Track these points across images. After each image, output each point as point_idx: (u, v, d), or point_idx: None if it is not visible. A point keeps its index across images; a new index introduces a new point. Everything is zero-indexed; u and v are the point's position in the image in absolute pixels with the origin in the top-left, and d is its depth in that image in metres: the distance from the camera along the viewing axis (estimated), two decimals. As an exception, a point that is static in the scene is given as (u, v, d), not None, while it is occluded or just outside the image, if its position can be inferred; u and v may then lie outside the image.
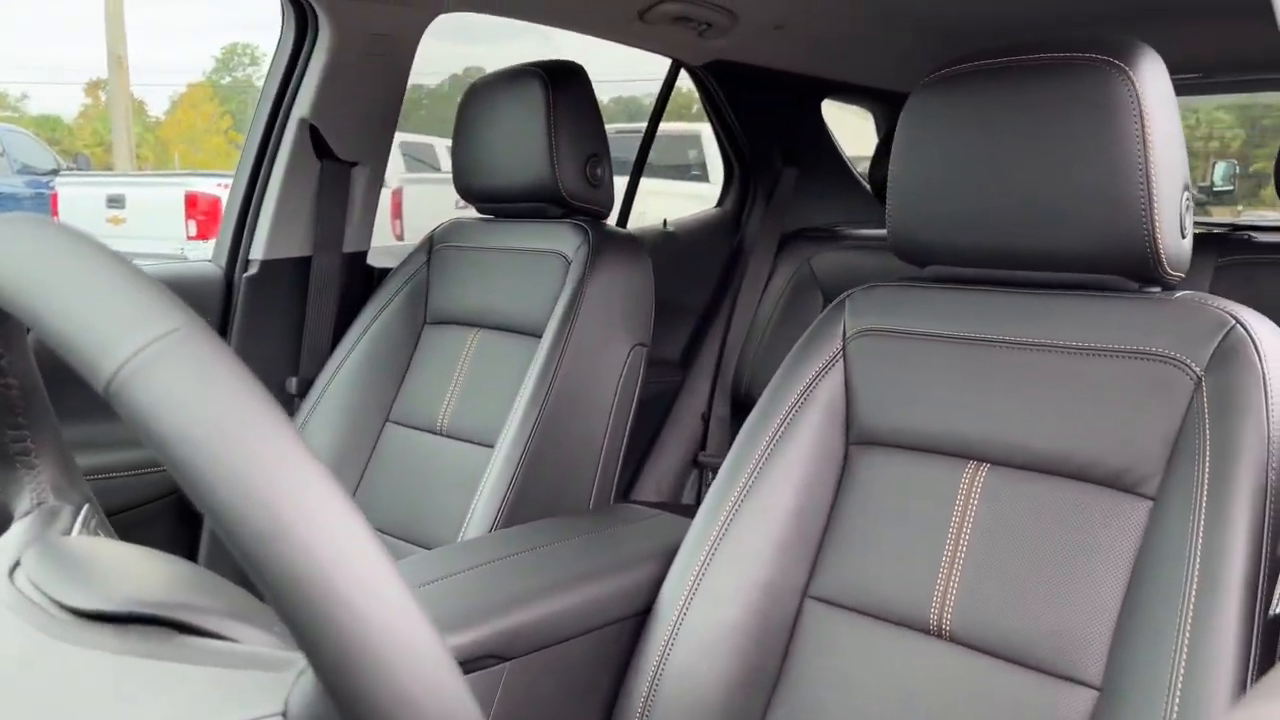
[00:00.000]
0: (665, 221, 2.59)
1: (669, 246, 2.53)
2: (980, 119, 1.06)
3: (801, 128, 2.73)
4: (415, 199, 8.19)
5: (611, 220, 2.15)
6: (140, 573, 0.52)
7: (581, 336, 1.54)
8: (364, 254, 1.99)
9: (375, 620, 0.36)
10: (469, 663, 1.05)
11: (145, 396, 0.37)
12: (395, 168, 7.25)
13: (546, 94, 1.62)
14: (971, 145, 1.06)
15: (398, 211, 8.00)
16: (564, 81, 1.64)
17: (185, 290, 1.83)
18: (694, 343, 2.60)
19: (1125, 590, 0.95)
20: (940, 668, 1.03)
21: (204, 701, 0.43)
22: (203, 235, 7.29)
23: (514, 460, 1.47)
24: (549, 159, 1.62)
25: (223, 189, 7.19)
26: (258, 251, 1.84)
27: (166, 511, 1.75)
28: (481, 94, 1.73)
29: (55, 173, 9.57)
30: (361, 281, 1.98)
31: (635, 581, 1.22)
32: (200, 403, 0.37)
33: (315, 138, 1.82)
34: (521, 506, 1.46)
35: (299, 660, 0.44)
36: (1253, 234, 2.02)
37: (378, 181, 1.95)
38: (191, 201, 7.39)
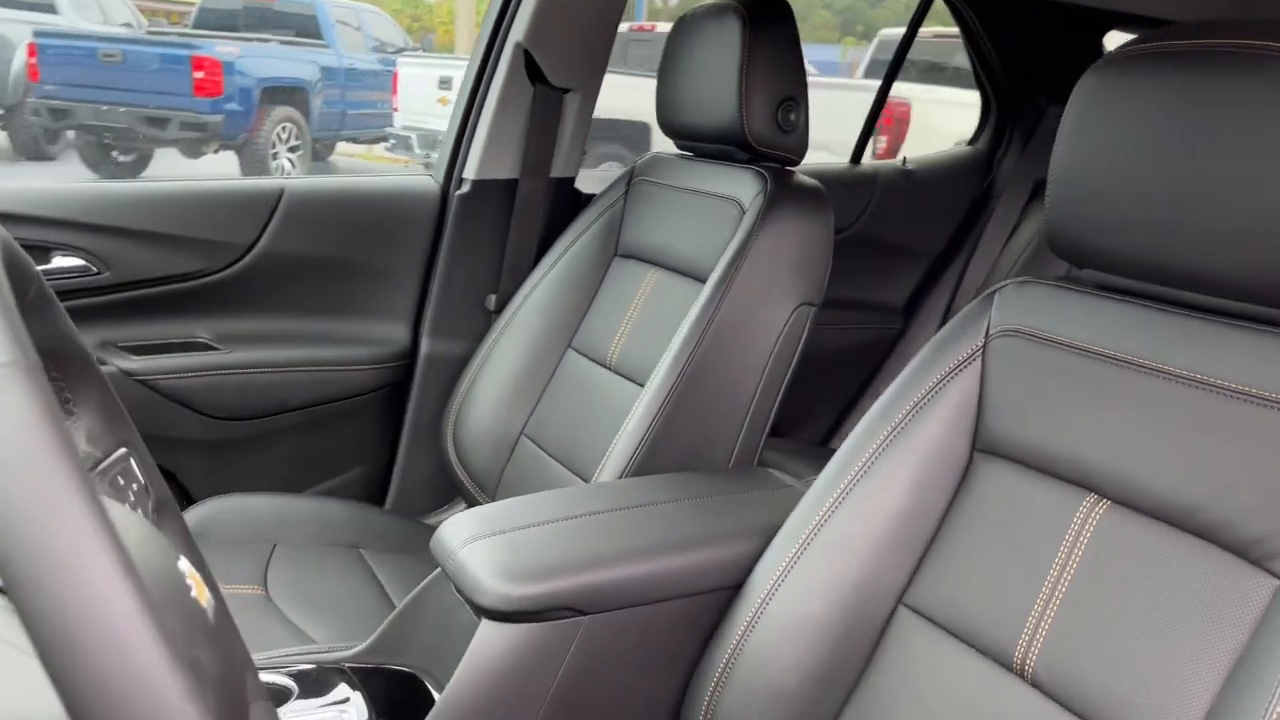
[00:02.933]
0: (904, 159, 2.43)
1: (903, 186, 2.38)
2: (1165, 111, 0.90)
3: (1076, 64, 2.44)
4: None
5: (851, 135, 2.05)
6: None
7: (743, 288, 1.49)
8: (571, 179, 2.02)
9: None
10: (545, 612, 1.09)
11: None
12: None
13: (744, 32, 1.55)
14: (1152, 141, 0.91)
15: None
16: (764, 19, 1.56)
17: (402, 202, 1.95)
18: (921, 290, 2.46)
19: (1230, 671, 0.83)
20: (1016, 710, 0.95)
21: None
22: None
23: (656, 405, 1.46)
24: (738, 101, 1.55)
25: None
26: (470, 171, 1.92)
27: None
28: (686, 26, 1.68)
29: (403, 51, 10.27)
30: (567, 207, 2.02)
31: (734, 554, 1.20)
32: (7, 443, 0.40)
33: (530, 63, 1.86)
34: (657, 454, 1.46)
35: None
36: None
37: (589, 108, 1.96)
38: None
